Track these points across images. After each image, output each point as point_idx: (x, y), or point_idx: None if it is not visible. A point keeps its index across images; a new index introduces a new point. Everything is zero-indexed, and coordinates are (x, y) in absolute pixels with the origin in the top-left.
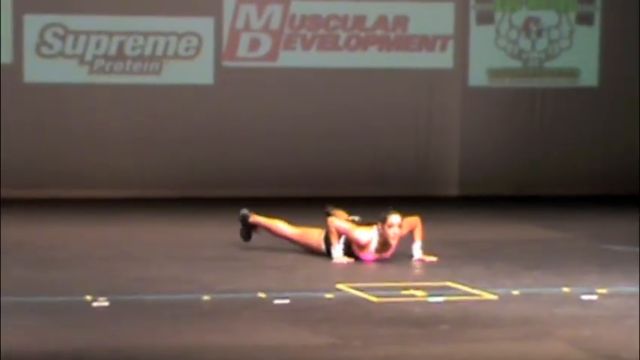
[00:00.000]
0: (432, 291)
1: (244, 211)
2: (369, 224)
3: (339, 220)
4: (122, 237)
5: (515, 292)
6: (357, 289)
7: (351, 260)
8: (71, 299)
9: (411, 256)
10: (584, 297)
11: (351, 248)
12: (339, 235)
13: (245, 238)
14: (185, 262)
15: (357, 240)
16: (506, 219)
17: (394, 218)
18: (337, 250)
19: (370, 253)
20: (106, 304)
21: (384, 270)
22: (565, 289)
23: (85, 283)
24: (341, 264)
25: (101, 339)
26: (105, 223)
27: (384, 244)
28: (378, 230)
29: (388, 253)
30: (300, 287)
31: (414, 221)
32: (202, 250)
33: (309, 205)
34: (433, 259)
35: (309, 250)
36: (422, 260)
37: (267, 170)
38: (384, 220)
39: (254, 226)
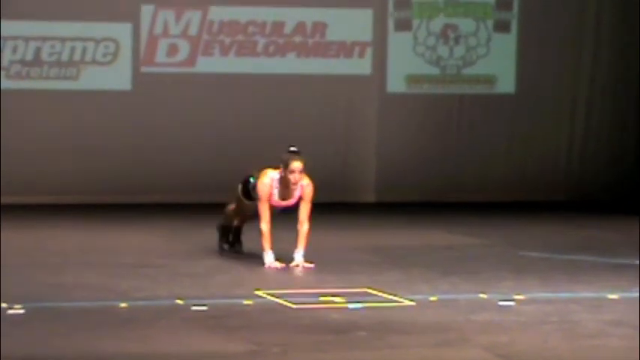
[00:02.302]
0: (351, 297)
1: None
2: (266, 169)
3: (262, 217)
4: (36, 244)
5: (433, 299)
6: (275, 295)
7: (284, 265)
8: None
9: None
10: (501, 303)
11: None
12: (268, 203)
13: (225, 244)
14: (101, 269)
15: (267, 191)
16: (424, 225)
17: (296, 164)
18: (269, 256)
19: (274, 200)
20: (22, 311)
21: (302, 277)
22: (482, 295)
23: (0, 291)
24: (273, 268)
25: (16, 347)
26: (18, 230)
27: (285, 189)
28: (280, 174)
29: (291, 202)
30: (217, 294)
31: (306, 215)
32: (119, 257)
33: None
34: (311, 265)
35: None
36: (302, 265)
37: (185, 176)
38: (285, 165)
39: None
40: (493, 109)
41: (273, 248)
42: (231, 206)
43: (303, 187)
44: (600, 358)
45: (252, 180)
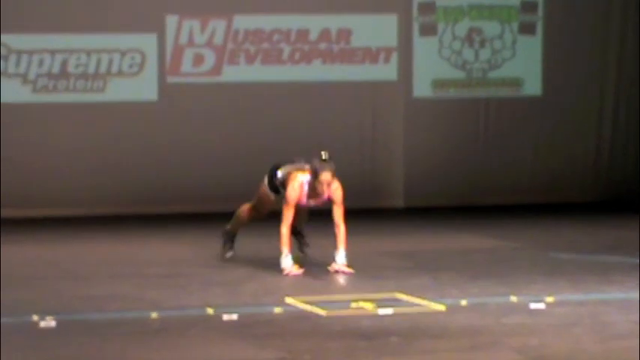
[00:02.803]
0: (381, 303)
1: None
2: (297, 171)
3: (283, 219)
4: (68, 256)
5: (463, 303)
6: (305, 302)
7: (301, 270)
8: (18, 320)
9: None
10: (532, 306)
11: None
12: (294, 208)
13: (229, 252)
14: (131, 279)
15: (296, 196)
16: (452, 229)
17: (325, 176)
18: (287, 261)
19: (304, 197)
20: (53, 323)
21: (332, 283)
22: (513, 298)
23: (32, 303)
24: (292, 274)
25: (49, 359)
26: (50, 242)
27: (313, 191)
28: (310, 179)
29: (320, 201)
30: (248, 302)
31: (340, 214)
32: (149, 268)
33: (258, 220)
34: (351, 270)
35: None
36: (341, 271)
37: (213, 185)
38: (315, 174)
39: (234, 235)
40: (520, 111)
41: (292, 252)
42: (247, 205)
43: (333, 191)
44: (632, 359)
45: (279, 174)
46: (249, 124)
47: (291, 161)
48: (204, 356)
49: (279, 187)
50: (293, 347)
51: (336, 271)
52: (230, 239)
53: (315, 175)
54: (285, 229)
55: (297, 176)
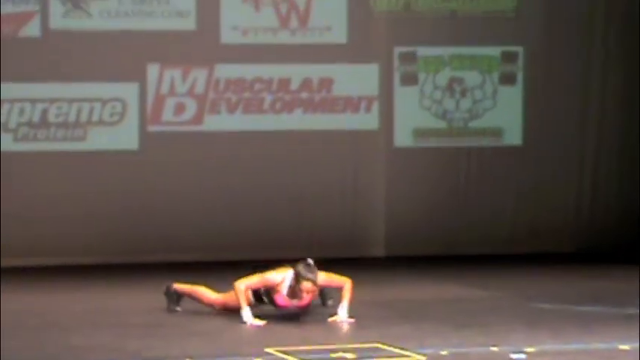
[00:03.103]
0: (362, 353)
1: (168, 285)
2: (281, 267)
3: (245, 279)
4: (47, 305)
5: (444, 352)
6: (286, 352)
7: (263, 322)
8: None
9: (332, 313)
10: (513, 356)
11: (270, 296)
12: (256, 289)
13: (172, 309)
14: (113, 329)
15: (271, 281)
16: (433, 278)
17: (306, 285)
18: (246, 313)
19: (282, 297)
20: None
21: (312, 331)
22: (493, 349)
23: (13, 354)
24: (253, 325)
25: None
26: (29, 292)
27: (294, 293)
28: (292, 281)
29: (302, 304)
30: (228, 352)
31: (342, 282)
32: (128, 317)
33: (236, 269)
34: (351, 320)
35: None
36: (340, 322)
37: (193, 234)
38: (297, 279)
39: (180, 296)
40: (501, 161)
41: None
42: (214, 296)
43: (328, 283)
44: None
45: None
46: (231, 173)
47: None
48: None
49: (262, 297)
50: None
51: (335, 321)
52: (176, 300)
53: (297, 279)
54: (242, 285)
55: (283, 269)
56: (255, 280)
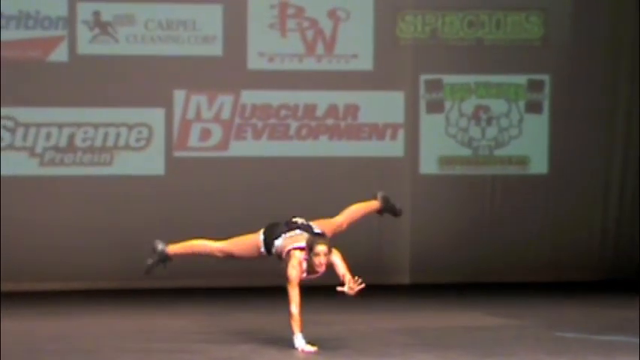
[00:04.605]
0: None
1: (160, 246)
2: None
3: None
4: (73, 330)
5: None
6: None
7: (315, 348)
8: None
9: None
10: None
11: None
12: (298, 286)
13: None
14: (136, 354)
15: (302, 272)
16: (458, 306)
17: (320, 248)
18: (299, 340)
19: (304, 273)
20: None
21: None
22: None
23: None
24: (305, 350)
25: None
26: (55, 316)
27: (311, 267)
28: (305, 256)
29: (319, 274)
30: None
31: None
32: (153, 343)
33: (262, 295)
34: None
35: (247, 260)
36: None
37: (218, 260)
38: (310, 248)
39: (170, 259)
40: (526, 190)
41: (303, 331)
42: (213, 244)
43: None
44: None
45: (277, 243)
46: (256, 199)
47: (287, 226)
48: None
49: (272, 251)
50: None
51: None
52: (162, 261)
53: (310, 249)
54: (294, 308)
55: (294, 254)
56: (294, 292)
